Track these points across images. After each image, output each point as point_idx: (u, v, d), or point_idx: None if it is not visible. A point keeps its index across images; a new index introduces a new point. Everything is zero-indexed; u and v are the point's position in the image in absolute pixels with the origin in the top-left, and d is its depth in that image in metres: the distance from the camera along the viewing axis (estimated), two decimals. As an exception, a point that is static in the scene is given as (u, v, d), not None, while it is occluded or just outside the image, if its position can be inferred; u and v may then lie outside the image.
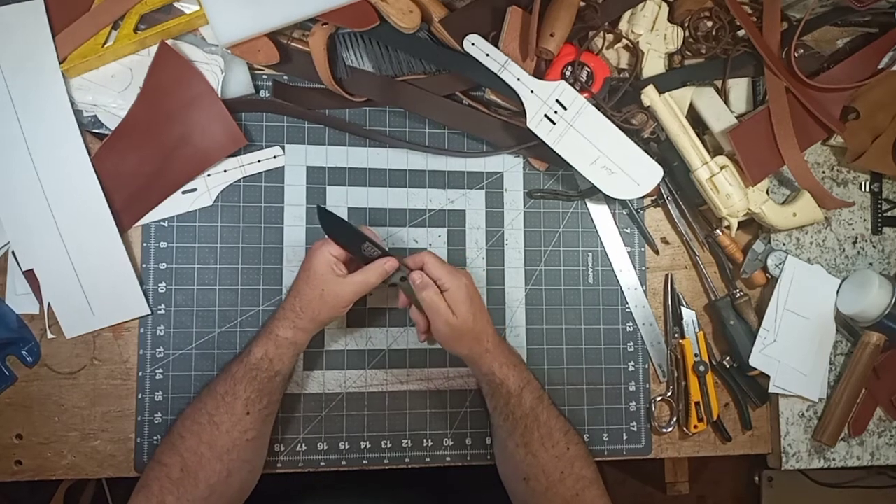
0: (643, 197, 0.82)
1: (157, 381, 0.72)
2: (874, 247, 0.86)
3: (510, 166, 0.80)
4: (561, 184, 0.81)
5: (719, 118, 0.78)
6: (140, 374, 0.72)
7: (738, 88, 0.80)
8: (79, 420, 0.71)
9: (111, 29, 0.70)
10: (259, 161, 0.75)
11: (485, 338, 0.69)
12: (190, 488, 0.61)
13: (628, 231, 0.82)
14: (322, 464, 0.74)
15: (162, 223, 0.73)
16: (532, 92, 0.72)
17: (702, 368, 0.79)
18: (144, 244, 0.73)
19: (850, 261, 0.85)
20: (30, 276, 0.70)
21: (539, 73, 0.74)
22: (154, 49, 0.71)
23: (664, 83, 0.76)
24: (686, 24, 0.78)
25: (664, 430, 0.80)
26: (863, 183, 0.86)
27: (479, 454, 0.77)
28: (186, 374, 0.73)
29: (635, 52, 0.77)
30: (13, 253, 0.70)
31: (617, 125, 0.74)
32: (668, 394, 0.80)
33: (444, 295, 0.67)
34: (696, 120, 0.79)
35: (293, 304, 0.66)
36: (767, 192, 0.79)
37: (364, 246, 0.67)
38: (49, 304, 0.70)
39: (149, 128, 0.71)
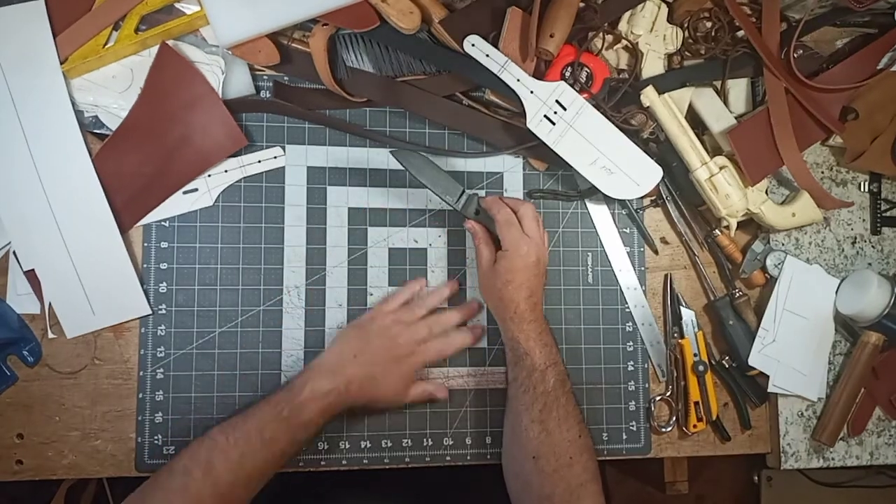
0: (642, 197, 0.82)
1: (157, 380, 0.72)
2: (873, 247, 0.86)
3: (510, 166, 0.81)
4: (560, 184, 0.82)
5: (718, 119, 0.79)
6: (141, 373, 0.72)
7: (738, 89, 0.80)
8: (80, 420, 0.71)
9: (112, 30, 0.70)
10: (260, 161, 0.76)
11: (512, 306, 0.70)
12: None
13: (628, 231, 0.82)
14: (322, 463, 0.74)
15: (163, 223, 0.74)
16: (532, 92, 0.72)
17: (701, 368, 0.79)
18: (145, 244, 0.73)
19: (849, 261, 0.85)
20: (31, 276, 0.70)
21: (539, 74, 0.74)
22: (155, 50, 0.71)
23: (663, 84, 0.77)
24: (685, 25, 0.79)
25: (663, 430, 0.80)
26: (862, 183, 0.86)
27: (479, 454, 0.77)
28: (187, 374, 0.73)
29: (635, 52, 0.77)
30: (14, 253, 0.70)
31: (616, 126, 0.74)
32: (668, 393, 0.80)
33: (499, 251, 0.71)
34: (695, 120, 0.79)
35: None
36: (766, 193, 0.79)
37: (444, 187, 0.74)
38: (50, 304, 0.70)
39: (150, 128, 0.71)
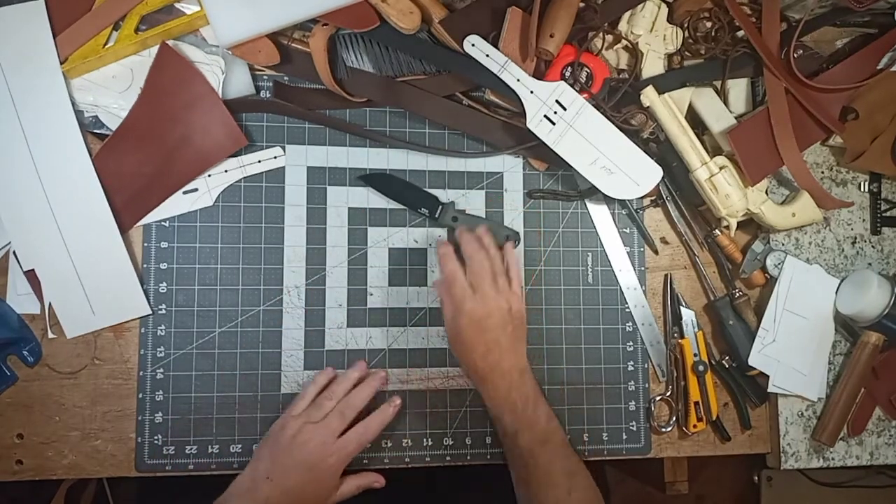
0: (642, 197, 0.82)
1: (157, 380, 0.72)
2: (873, 247, 0.86)
3: (510, 166, 0.81)
4: (561, 184, 0.82)
5: (718, 119, 0.79)
6: (141, 373, 0.72)
7: (738, 89, 0.80)
8: (80, 420, 0.71)
9: (112, 30, 0.70)
10: (260, 161, 0.76)
11: (471, 367, 0.69)
12: None
13: (628, 231, 0.82)
14: (322, 463, 0.74)
15: (163, 223, 0.74)
16: (532, 92, 0.72)
17: (701, 368, 0.79)
18: (145, 244, 0.73)
19: (849, 261, 0.85)
20: (31, 276, 0.70)
21: (539, 74, 0.74)
22: (155, 50, 0.71)
23: (663, 84, 0.77)
24: (685, 25, 0.79)
25: (663, 430, 0.80)
26: (862, 183, 0.86)
27: (479, 454, 0.77)
28: (187, 374, 0.73)
29: (635, 52, 0.77)
30: (14, 253, 0.70)
31: (616, 126, 0.74)
32: (668, 393, 0.80)
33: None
34: (695, 120, 0.79)
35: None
36: (766, 193, 0.79)
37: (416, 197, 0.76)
38: (50, 304, 0.70)
39: (150, 128, 0.71)
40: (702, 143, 0.77)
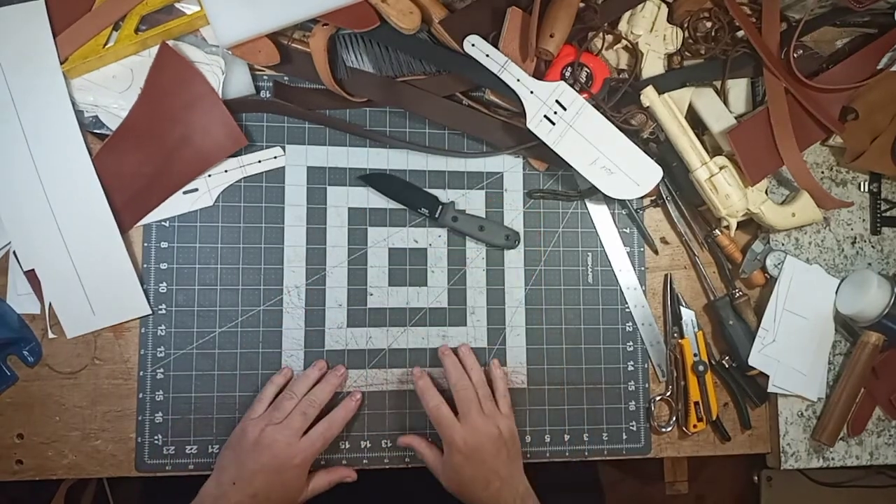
0: (642, 197, 0.82)
1: (157, 380, 0.72)
2: (873, 247, 0.86)
3: (510, 167, 0.81)
4: (561, 184, 0.82)
5: (718, 119, 0.79)
6: (141, 373, 0.72)
7: (738, 89, 0.80)
8: (80, 420, 0.71)
9: (112, 30, 0.70)
10: (260, 161, 0.76)
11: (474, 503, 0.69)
12: None
13: (628, 231, 0.82)
14: (322, 463, 0.74)
15: (163, 223, 0.74)
16: (532, 92, 0.72)
17: (701, 368, 0.79)
18: (145, 244, 0.73)
19: (849, 261, 0.85)
20: (31, 276, 0.70)
21: (539, 74, 0.74)
22: (155, 50, 0.71)
23: (663, 84, 0.77)
24: (685, 25, 0.79)
25: (663, 430, 0.80)
26: (861, 183, 0.86)
27: (478, 454, 0.77)
28: (187, 374, 0.73)
29: (635, 52, 0.77)
30: (14, 253, 0.70)
31: (616, 126, 0.74)
32: (668, 393, 0.80)
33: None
34: (695, 120, 0.79)
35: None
36: (766, 193, 0.79)
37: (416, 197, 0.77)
38: (50, 304, 0.70)
39: (150, 128, 0.71)
40: (702, 143, 0.77)
